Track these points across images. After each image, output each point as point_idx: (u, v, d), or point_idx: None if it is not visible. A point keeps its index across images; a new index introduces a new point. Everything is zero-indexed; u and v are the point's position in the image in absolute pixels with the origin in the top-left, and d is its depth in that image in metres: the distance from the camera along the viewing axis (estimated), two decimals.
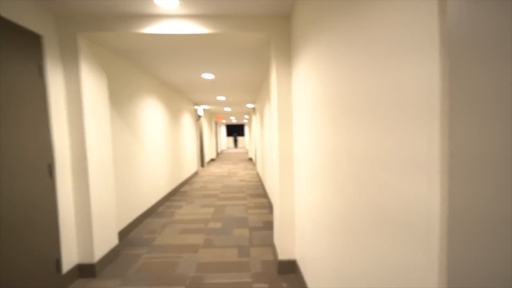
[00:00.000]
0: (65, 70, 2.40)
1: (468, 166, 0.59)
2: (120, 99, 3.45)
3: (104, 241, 2.68)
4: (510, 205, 0.51)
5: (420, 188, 0.75)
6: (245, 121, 20.90)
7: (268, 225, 3.85)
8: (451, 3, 0.61)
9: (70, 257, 2.42)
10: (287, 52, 2.47)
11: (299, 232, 2.41)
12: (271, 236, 3.44)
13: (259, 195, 5.75)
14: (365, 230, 1.09)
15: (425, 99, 0.72)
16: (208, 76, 4.74)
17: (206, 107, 10.09)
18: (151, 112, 4.59)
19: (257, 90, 6.39)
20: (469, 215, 0.59)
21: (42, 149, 2.12)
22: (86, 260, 2.52)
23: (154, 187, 4.67)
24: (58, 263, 2.26)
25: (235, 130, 26.67)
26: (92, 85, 2.54)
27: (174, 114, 6.19)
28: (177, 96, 6.46)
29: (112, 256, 2.80)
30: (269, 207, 4.78)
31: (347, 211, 1.28)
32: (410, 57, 0.77)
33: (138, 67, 4.05)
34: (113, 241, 2.85)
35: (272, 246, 3.15)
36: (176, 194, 5.95)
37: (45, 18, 2.24)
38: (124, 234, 3.46)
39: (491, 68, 0.53)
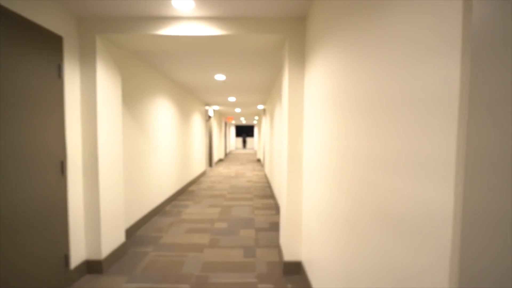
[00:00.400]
0: (81, 70, 2.46)
1: (483, 169, 0.58)
2: (132, 98, 3.50)
3: (111, 238, 2.73)
4: None
5: (431, 190, 0.75)
6: (255, 122, 20.92)
7: (275, 226, 3.84)
8: (476, 3, 0.59)
9: (78, 253, 2.47)
10: (300, 54, 2.46)
11: (305, 233, 2.41)
12: (277, 237, 3.43)
13: (266, 196, 5.75)
14: (369, 231, 1.08)
15: (442, 101, 0.70)
16: (220, 77, 4.77)
17: (217, 107, 10.14)
18: (162, 111, 4.65)
19: (268, 91, 6.40)
20: (483, 218, 0.58)
21: (56, 146, 2.17)
22: (93, 257, 2.56)
23: (162, 186, 4.71)
24: (66, 258, 2.31)
25: (244, 131, 26.73)
26: (107, 84, 2.59)
27: (185, 114, 6.25)
28: (188, 96, 6.52)
29: (119, 253, 2.84)
30: (276, 208, 4.77)
31: (351, 211, 1.27)
32: (427, 58, 0.75)
33: (152, 67, 4.11)
34: (121, 238, 2.90)
35: (278, 247, 3.14)
36: (183, 193, 6.00)
37: (66, 20, 2.31)
38: (131, 231, 3.51)
39: None
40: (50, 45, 2.12)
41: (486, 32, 0.57)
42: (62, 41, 2.25)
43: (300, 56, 2.46)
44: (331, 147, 1.63)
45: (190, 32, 2.41)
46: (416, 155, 0.78)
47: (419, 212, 0.77)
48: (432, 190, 0.72)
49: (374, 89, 1.04)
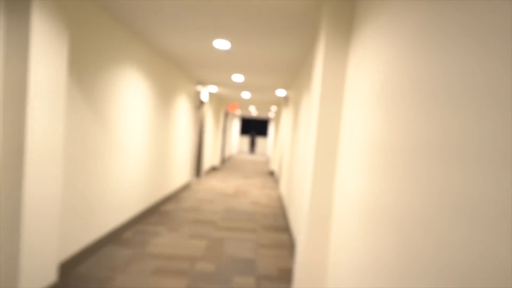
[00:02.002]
0: (7, 22, 2.44)
1: None
2: (85, 67, 3.49)
3: (35, 274, 2.71)
4: None
5: None
6: (271, 115, 20.91)
7: (286, 275, 3.80)
8: None
9: None
10: (346, 22, 2.47)
11: None
12: None
13: (277, 228, 5.73)
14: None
15: None
16: (222, 44, 4.75)
17: (215, 89, 10.15)
18: (130, 91, 4.65)
19: (295, 72, 6.38)
20: None
21: None
22: None
23: (122, 200, 4.72)
24: None
25: (254, 127, 26.84)
26: (46, 45, 2.59)
27: (165, 96, 6.26)
28: (172, 70, 6.55)
29: None
30: (291, 247, 4.74)
31: (404, 268, 1.22)
32: None
33: (121, 24, 4.10)
34: (50, 276, 2.88)
35: None
36: (153, 214, 6.01)
37: None
38: (68, 267, 3.50)
39: None
40: None
41: None
42: None
43: (345, 25, 2.47)
44: (382, 167, 1.57)
45: None
46: None
47: None
48: None
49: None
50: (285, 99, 9.53)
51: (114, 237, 4.52)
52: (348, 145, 2.24)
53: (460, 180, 0.99)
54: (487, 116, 0.91)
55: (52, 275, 2.90)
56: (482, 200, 0.88)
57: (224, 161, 16.78)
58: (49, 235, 2.81)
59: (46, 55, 2.60)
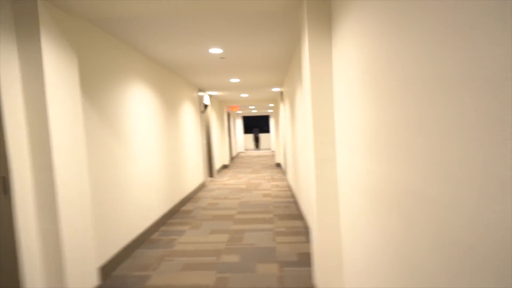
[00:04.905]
0: (20, 52, 2.47)
1: None
2: (95, 86, 3.52)
3: (80, 281, 2.76)
4: None
5: None
6: (270, 111, 20.89)
7: (306, 258, 3.82)
8: None
9: None
10: (325, 15, 2.45)
11: (348, 266, 2.37)
12: (310, 274, 3.42)
13: (291, 216, 5.73)
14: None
15: None
16: (217, 52, 4.76)
17: (215, 93, 10.15)
18: (139, 103, 4.68)
19: (285, 68, 6.37)
20: None
21: None
22: None
23: (146, 206, 4.76)
24: None
25: (256, 125, 26.75)
26: (58, 70, 2.62)
27: (171, 105, 6.29)
28: (175, 80, 6.57)
29: None
30: (306, 232, 4.75)
31: (405, 236, 1.23)
32: None
33: (122, 42, 4.13)
34: (92, 280, 2.93)
35: None
36: (175, 215, 6.05)
37: None
38: (107, 270, 3.54)
39: None
40: None
41: None
42: None
43: (325, 18, 2.46)
44: (377, 144, 1.59)
45: None
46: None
47: None
48: None
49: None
50: (281, 95, 9.52)
51: (144, 240, 4.57)
52: (343, 129, 2.24)
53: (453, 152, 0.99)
54: (449, 90, 0.93)
55: (94, 280, 2.95)
56: (483, 170, 0.88)
57: (233, 159, 16.79)
58: (87, 243, 2.85)
59: (59, 76, 2.64)
